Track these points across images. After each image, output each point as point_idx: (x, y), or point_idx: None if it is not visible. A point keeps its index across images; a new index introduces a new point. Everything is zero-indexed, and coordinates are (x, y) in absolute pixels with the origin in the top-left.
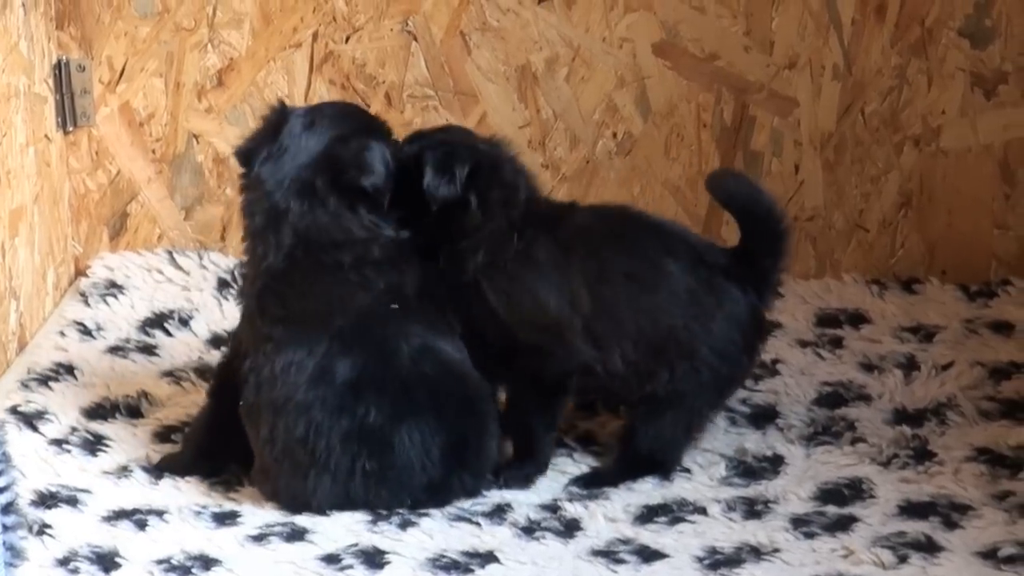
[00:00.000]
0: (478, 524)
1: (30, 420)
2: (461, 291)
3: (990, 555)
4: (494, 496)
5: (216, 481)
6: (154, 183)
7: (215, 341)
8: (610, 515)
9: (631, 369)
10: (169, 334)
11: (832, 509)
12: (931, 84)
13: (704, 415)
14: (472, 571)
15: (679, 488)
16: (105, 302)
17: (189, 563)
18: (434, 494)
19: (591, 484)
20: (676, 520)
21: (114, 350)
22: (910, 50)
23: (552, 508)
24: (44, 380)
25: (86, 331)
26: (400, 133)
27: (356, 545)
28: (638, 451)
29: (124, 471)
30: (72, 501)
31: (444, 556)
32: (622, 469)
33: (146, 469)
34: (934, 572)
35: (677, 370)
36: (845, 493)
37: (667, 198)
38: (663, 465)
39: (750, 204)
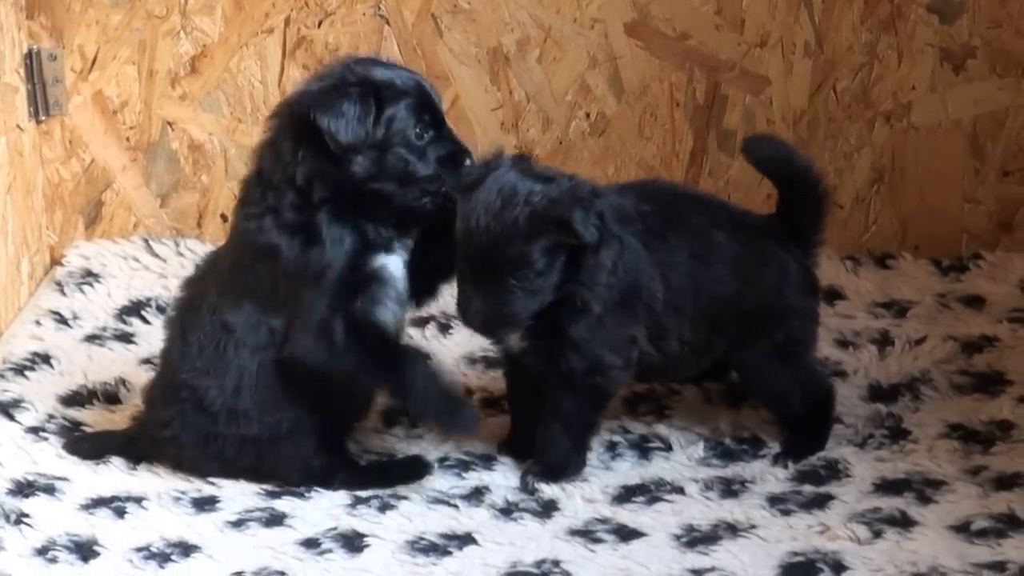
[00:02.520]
0: (456, 506)
1: (6, 409)
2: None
3: (963, 528)
4: (472, 479)
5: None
6: (129, 171)
7: None
8: (588, 496)
9: (687, 348)
10: (146, 322)
11: (809, 488)
12: (901, 60)
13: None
14: (450, 553)
15: (657, 468)
16: (81, 291)
17: (168, 550)
18: None
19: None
20: (654, 500)
21: (91, 338)
22: (880, 26)
23: (528, 489)
24: (20, 369)
25: (62, 320)
26: None
27: (335, 529)
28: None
29: (102, 457)
30: (50, 490)
31: (423, 538)
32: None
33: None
34: (908, 546)
35: (744, 338)
36: (822, 473)
37: (641, 178)
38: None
39: (788, 168)
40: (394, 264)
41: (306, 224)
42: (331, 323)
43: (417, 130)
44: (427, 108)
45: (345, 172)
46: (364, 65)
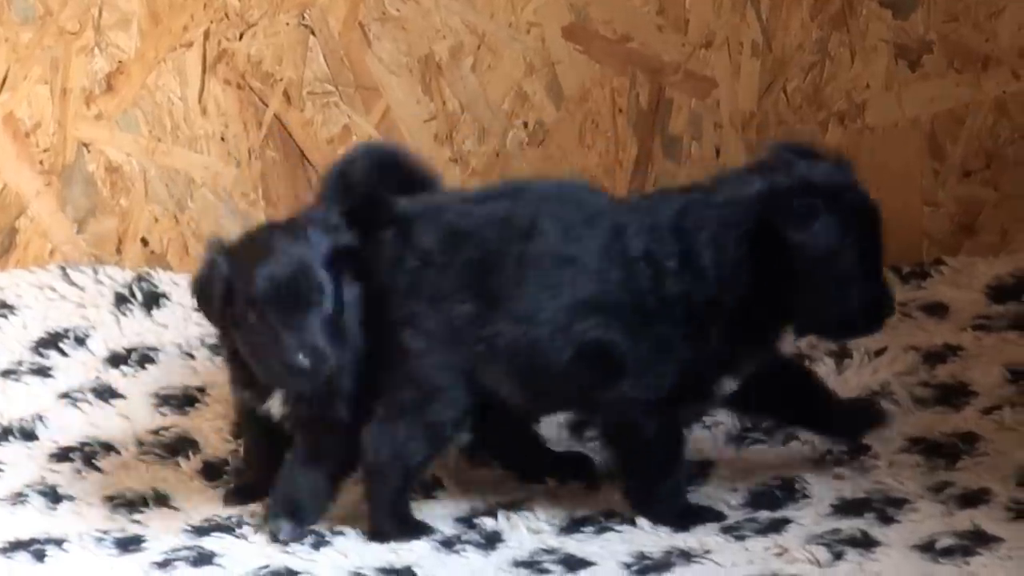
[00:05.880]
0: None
1: None
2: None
3: (927, 548)
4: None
5: (120, 503)
6: (43, 196)
7: (113, 359)
8: (533, 527)
9: None
10: (64, 354)
11: (765, 513)
12: (854, 58)
13: None
14: None
15: (606, 498)
16: None
17: None
18: None
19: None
20: (603, 529)
21: (6, 373)
22: (831, 23)
23: (469, 522)
24: None
25: None
26: (303, 133)
27: (267, 567)
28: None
29: (19, 497)
30: None
31: (359, 574)
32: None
33: (44, 494)
34: (871, 568)
35: None
36: (777, 495)
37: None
38: None
39: None
40: None
41: None
42: None
43: None
44: None
45: None
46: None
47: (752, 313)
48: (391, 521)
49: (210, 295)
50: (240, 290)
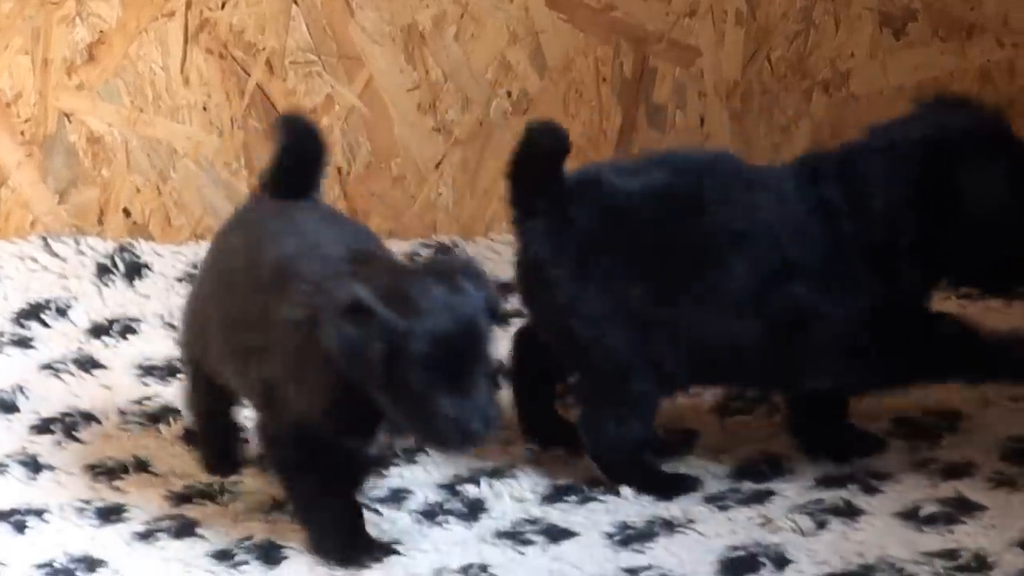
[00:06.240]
0: (376, 511)
1: None
2: None
3: (911, 516)
4: (392, 480)
5: (101, 471)
6: (24, 167)
7: (95, 330)
8: (516, 495)
9: None
10: (46, 325)
11: (749, 485)
12: (838, 26)
13: None
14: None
15: (589, 467)
16: None
17: (72, 566)
18: None
19: None
20: (587, 499)
21: None
22: None
23: (452, 489)
24: None
25: None
26: (286, 102)
27: (250, 539)
28: None
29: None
30: None
31: None
32: None
33: (25, 464)
34: (855, 537)
35: None
36: (762, 468)
37: (568, 158)
38: None
39: None
40: None
41: None
42: None
43: None
44: None
45: None
46: None
47: (920, 262)
48: (657, 488)
49: (369, 358)
50: (399, 350)
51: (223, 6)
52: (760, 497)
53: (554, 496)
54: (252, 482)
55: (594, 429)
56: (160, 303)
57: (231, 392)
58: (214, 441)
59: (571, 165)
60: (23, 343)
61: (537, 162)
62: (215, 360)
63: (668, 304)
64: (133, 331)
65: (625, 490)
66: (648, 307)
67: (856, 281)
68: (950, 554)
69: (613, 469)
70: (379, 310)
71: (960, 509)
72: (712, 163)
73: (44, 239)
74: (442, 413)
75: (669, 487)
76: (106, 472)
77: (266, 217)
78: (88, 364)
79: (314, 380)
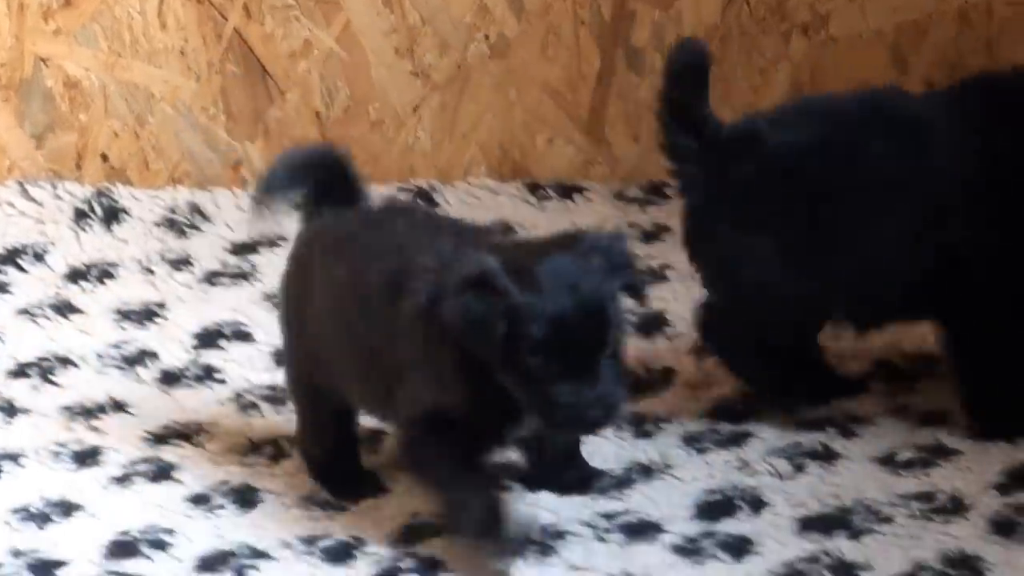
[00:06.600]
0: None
1: None
2: None
3: (888, 460)
4: None
5: (77, 412)
6: (1, 112)
7: (72, 275)
8: None
9: None
10: (23, 270)
11: (726, 426)
12: None
13: None
14: (345, 506)
15: None
16: None
17: (48, 510)
18: None
19: None
20: None
21: None
22: None
23: None
24: None
25: None
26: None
27: (227, 483)
28: None
29: None
30: None
31: (318, 490)
32: None
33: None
34: (832, 480)
35: None
36: (739, 408)
37: (546, 102)
38: None
39: None
40: None
41: None
42: None
43: None
44: None
45: None
46: None
47: None
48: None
49: (490, 334)
50: (518, 331)
51: None
52: (738, 439)
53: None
54: (230, 423)
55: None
56: (138, 248)
57: (353, 409)
58: (347, 466)
59: (549, 111)
60: (0, 288)
61: (684, 84)
62: (338, 378)
63: (831, 251)
64: (111, 276)
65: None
66: (810, 254)
67: (1008, 221)
68: (926, 496)
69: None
70: (505, 284)
71: (937, 454)
72: (869, 104)
73: (21, 184)
74: (559, 401)
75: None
76: (83, 414)
77: (353, 227)
78: (65, 309)
79: (443, 363)
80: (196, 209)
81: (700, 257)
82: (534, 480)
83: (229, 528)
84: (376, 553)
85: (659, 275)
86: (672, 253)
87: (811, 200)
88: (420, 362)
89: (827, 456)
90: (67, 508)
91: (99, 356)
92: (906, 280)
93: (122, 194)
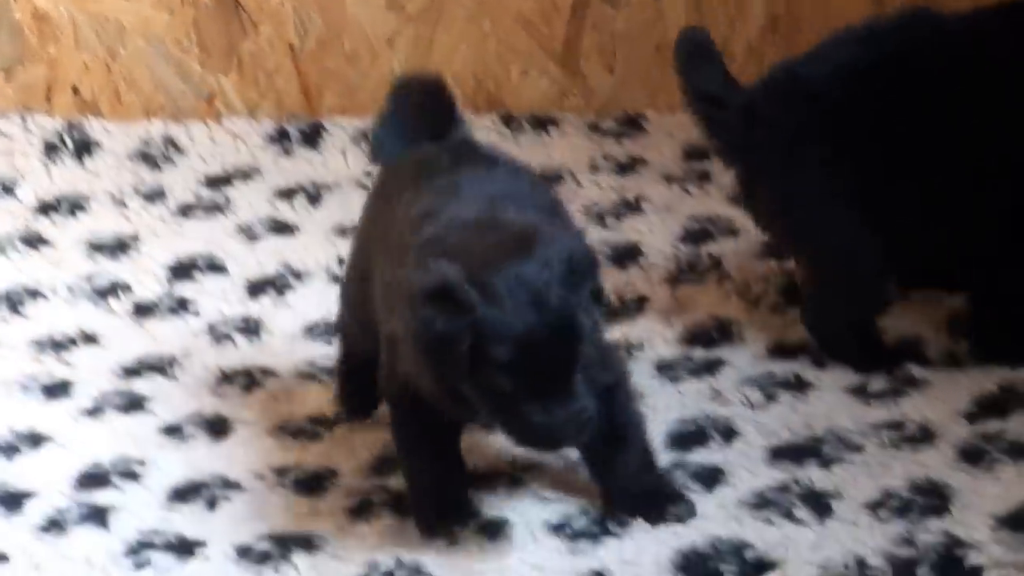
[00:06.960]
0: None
1: None
2: None
3: (860, 391)
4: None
5: (47, 344)
6: None
7: (43, 208)
8: None
9: None
10: None
11: (699, 352)
12: None
13: None
14: (319, 436)
15: None
16: None
17: (17, 441)
18: None
19: None
20: None
21: None
22: None
23: None
24: None
25: None
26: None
27: (199, 414)
28: None
29: None
30: None
31: (291, 420)
32: None
33: None
34: (803, 409)
35: None
36: (713, 336)
37: (519, 33)
38: None
39: None
40: None
41: None
42: None
43: None
44: None
45: None
46: None
47: None
48: (870, 363)
49: (454, 353)
50: (487, 350)
51: None
52: (711, 367)
53: None
54: (203, 355)
55: (815, 307)
56: (111, 181)
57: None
58: (355, 381)
59: (522, 43)
60: None
61: (697, 69)
62: (371, 307)
63: (881, 183)
64: (82, 208)
65: None
66: (860, 187)
67: None
68: (896, 425)
69: (827, 343)
70: (467, 297)
71: (907, 384)
72: (904, 30)
73: None
74: (530, 420)
75: (883, 361)
76: (53, 345)
77: (429, 168)
78: (35, 241)
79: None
80: (170, 142)
81: (775, 224)
82: (607, 498)
83: (201, 459)
84: (349, 484)
85: (634, 207)
86: (647, 185)
87: (875, 120)
88: (406, 337)
89: (799, 386)
90: (36, 439)
91: (70, 288)
92: (968, 198)
93: (94, 127)
